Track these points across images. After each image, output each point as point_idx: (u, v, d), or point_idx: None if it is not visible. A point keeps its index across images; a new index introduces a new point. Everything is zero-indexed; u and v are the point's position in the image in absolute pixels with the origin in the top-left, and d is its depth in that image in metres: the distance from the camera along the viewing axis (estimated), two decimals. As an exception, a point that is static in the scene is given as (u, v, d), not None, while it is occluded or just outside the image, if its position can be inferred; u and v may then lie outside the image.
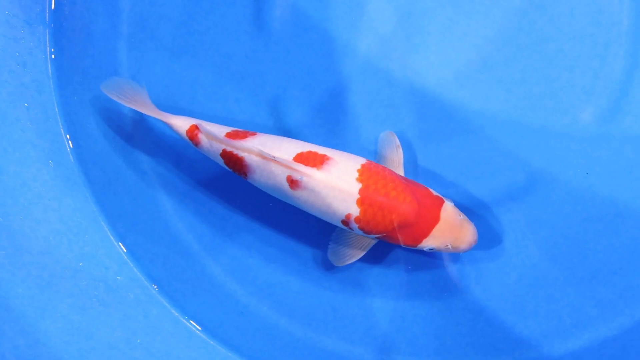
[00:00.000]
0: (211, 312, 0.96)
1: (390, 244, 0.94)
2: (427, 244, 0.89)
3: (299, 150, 0.90)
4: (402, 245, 0.90)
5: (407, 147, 0.98)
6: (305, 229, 0.98)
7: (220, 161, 0.93)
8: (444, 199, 0.90)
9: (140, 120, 1.01)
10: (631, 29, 0.95)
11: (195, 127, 0.93)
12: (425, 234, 0.88)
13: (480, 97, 0.97)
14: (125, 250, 0.99)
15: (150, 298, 0.96)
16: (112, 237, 0.99)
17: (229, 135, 0.93)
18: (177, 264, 0.98)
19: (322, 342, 0.97)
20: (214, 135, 0.92)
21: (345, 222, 0.89)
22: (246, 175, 0.92)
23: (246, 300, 0.98)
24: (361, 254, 0.93)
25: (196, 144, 0.94)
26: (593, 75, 0.95)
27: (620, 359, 0.88)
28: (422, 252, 0.95)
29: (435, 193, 0.91)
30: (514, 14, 0.97)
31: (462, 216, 0.90)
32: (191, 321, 0.97)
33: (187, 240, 0.99)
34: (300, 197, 0.89)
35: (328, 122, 0.99)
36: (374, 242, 0.93)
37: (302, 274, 0.98)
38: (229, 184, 1.00)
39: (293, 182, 0.88)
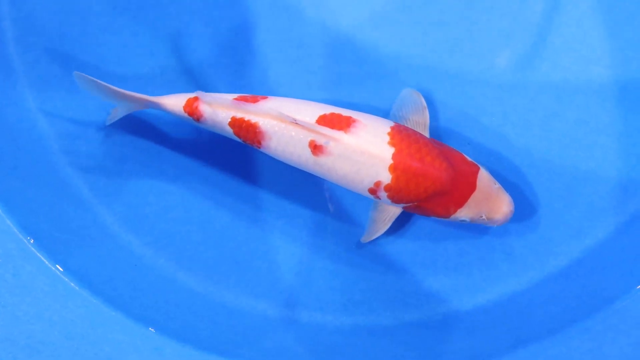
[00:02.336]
0: (99, 266, 0.87)
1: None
2: (462, 214, 0.81)
3: (321, 113, 0.81)
4: (430, 215, 0.83)
5: (318, 90, 0.92)
6: (209, 175, 0.91)
7: (228, 132, 0.83)
8: (479, 165, 0.83)
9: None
10: (553, -29, 0.92)
11: (194, 99, 0.83)
12: (461, 203, 0.80)
13: (396, 39, 0.92)
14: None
15: (23, 252, 0.85)
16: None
17: (237, 100, 0.82)
18: (62, 213, 0.89)
19: (223, 297, 0.90)
20: (220, 102, 0.82)
21: (374, 190, 0.80)
22: (260, 143, 0.82)
23: (141, 252, 0.90)
24: (385, 227, 0.84)
25: (198, 118, 0.83)
26: (512, 19, 0.91)
27: (526, 313, 0.86)
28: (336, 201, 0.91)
29: (469, 159, 0.83)
30: (434, -49, 0.92)
31: (497, 185, 0.82)
32: (69, 278, 0.85)
33: (77, 185, 0.90)
34: (324, 164, 0.80)
35: (234, 62, 0.92)
36: (399, 212, 0.83)
37: (204, 225, 0.90)
38: (128, 122, 0.91)
39: (317, 148, 0.79)
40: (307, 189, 0.90)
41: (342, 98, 0.91)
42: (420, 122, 0.86)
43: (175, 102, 0.84)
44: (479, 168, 0.82)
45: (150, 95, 0.86)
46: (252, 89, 0.91)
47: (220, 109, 0.82)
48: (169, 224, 0.90)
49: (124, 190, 0.90)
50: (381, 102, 0.91)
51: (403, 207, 0.83)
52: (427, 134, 0.86)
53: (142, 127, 0.91)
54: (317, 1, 0.92)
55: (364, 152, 0.79)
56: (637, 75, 0.90)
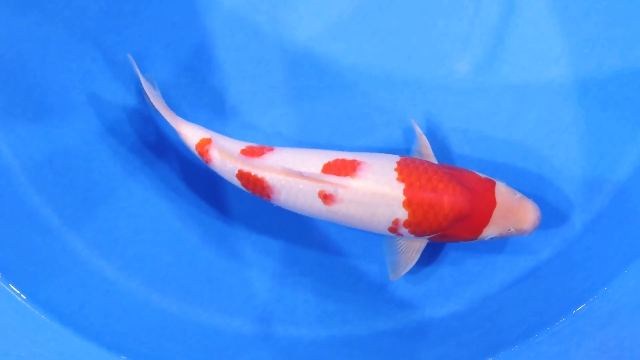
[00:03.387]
0: (69, 295, 0.88)
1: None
2: (488, 233, 0.80)
3: (325, 161, 0.81)
4: (458, 241, 0.82)
5: (280, 105, 0.91)
6: (175, 197, 0.91)
7: (237, 182, 0.83)
8: (494, 180, 0.82)
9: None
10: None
11: (207, 141, 0.83)
12: (485, 222, 0.79)
13: (354, 49, 0.91)
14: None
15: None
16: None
17: (244, 152, 0.83)
18: (29, 244, 0.89)
19: (198, 317, 0.90)
20: (229, 152, 0.82)
21: (393, 228, 0.79)
22: (269, 197, 0.82)
23: (113, 277, 0.90)
24: (413, 262, 0.83)
25: (207, 161, 0.84)
26: (469, 22, 0.90)
27: (498, 318, 0.86)
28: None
29: (482, 175, 0.82)
30: (387, -41, 0.92)
31: (518, 194, 0.82)
32: (39, 310, 0.86)
33: (45, 214, 0.90)
34: (337, 211, 0.80)
35: (195, 82, 0.91)
36: (424, 244, 0.83)
37: (175, 245, 0.91)
38: (91, 149, 0.91)
39: (327, 197, 0.79)
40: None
41: (304, 111, 0.91)
42: (423, 150, 0.86)
43: (189, 136, 0.85)
44: (494, 183, 0.81)
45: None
46: (214, 107, 0.91)
47: (228, 159, 0.82)
48: (139, 246, 0.91)
49: (92, 216, 0.91)
50: (343, 113, 0.91)
51: (428, 239, 0.82)
52: (434, 160, 0.86)
53: (107, 152, 0.91)
54: (273, 17, 0.91)
55: (375, 194, 0.78)
56: (596, 73, 0.90)
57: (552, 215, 0.89)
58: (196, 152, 0.85)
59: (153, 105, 0.87)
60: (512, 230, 0.80)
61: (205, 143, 0.84)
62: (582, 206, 0.89)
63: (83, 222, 0.91)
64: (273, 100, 0.91)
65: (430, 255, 0.89)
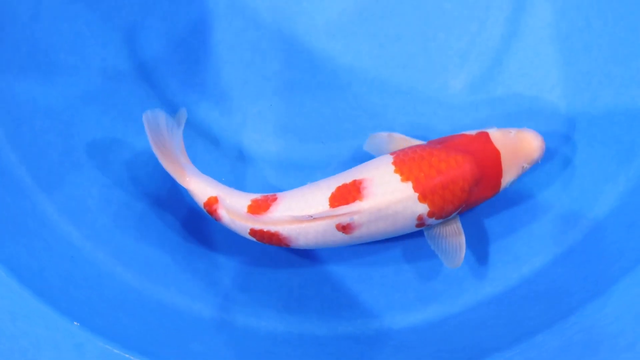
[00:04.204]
0: (33, 256, 0.86)
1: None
2: (507, 180, 0.80)
3: (329, 194, 0.79)
4: (483, 202, 0.82)
5: (271, 95, 0.90)
6: (153, 171, 0.90)
7: (251, 238, 0.82)
8: (484, 130, 0.82)
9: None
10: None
11: (214, 200, 0.82)
12: (499, 173, 0.80)
13: (352, 50, 0.91)
14: None
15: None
16: None
17: (251, 209, 0.81)
18: (-1, 200, 0.89)
19: (159, 295, 0.89)
20: (236, 211, 0.81)
21: (421, 224, 0.80)
22: (289, 245, 0.81)
23: (80, 244, 0.89)
24: (462, 234, 0.82)
25: (217, 219, 0.83)
26: (470, 40, 0.90)
27: (454, 337, 0.86)
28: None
29: (473, 132, 0.82)
30: (397, -36, 0.91)
31: (512, 130, 0.82)
32: None
33: (19, 173, 0.89)
34: (361, 235, 0.79)
35: (187, 60, 0.90)
36: (457, 218, 0.82)
37: (144, 223, 0.90)
38: (73, 113, 0.90)
39: (345, 228, 0.78)
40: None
41: (293, 105, 0.90)
42: (402, 143, 0.84)
43: (198, 194, 0.83)
44: (487, 133, 0.82)
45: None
46: (204, 88, 0.90)
47: (237, 219, 0.81)
48: (110, 218, 0.90)
49: (66, 181, 0.89)
50: (332, 113, 0.91)
51: (458, 214, 0.82)
52: (416, 142, 0.85)
53: (89, 119, 0.90)
54: (275, 6, 0.90)
55: (389, 205, 0.78)
56: (588, 108, 0.90)
57: (525, 243, 0.89)
58: (205, 210, 0.83)
59: (162, 162, 0.84)
60: (526, 165, 0.81)
61: (212, 202, 0.82)
62: (555, 238, 0.89)
63: (56, 186, 0.89)
64: (264, 89, 0.90)
65: (397, 267, 0.89)
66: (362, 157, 0.89)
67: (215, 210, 0.82)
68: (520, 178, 0.84)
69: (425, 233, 0.83)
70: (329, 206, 0.78)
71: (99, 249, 0.89)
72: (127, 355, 0.79)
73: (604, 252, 0.86)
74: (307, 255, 0.89)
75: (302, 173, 0.91)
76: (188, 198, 0.89)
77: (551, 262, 0.88)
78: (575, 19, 0.89)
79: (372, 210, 0.77)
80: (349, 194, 0.78)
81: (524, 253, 0.89)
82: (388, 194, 0.77)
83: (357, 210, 0.77)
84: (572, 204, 0.89)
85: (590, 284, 0.83)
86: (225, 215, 0.82)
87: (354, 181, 0.79)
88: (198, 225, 0.90)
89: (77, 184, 0.89)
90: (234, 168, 0.91)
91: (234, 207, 0.81)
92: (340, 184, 0.79)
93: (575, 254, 0.88)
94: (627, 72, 0.89)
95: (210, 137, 0.91)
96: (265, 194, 0.83)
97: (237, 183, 0.91)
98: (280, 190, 0.84)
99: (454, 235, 0.82)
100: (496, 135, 0.81)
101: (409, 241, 0.89)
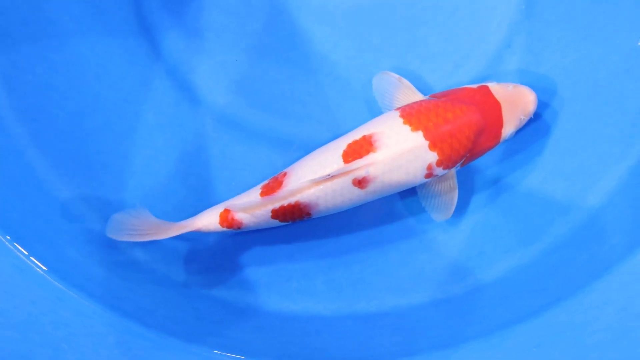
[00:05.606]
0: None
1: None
2: (507, 131, 0.83)
3: (340, 151, 0.81)
4: (485, 153, 0.84)
5: (239, 51, 0.91)
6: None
7: (274, 223, 0.82)
8: (484, 84, 0.84)
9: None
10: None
11: (226, 212, 0.82)
12: (500, 124, 0.83)
13: (332, 41, 0.92)
14: None
15: None
16: None
17: (264, 192, 0.81)
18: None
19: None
20: (252, 204, 0.81)
21: (429, 174, 0.81)
22: (310, 214, 0.82)
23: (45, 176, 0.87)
24: (456, 188, 0.85)
25: (238, 227, 0.82)
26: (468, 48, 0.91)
27: (419, 327, 0.86)
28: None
29: (473, 86, 0.85)
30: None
31: (510, 85, 0.85)
32: None
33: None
34: (374, 189, 0.81)
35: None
36: (454, 172, 0.85)
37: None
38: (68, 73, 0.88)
39: (361, 182, 0.80)
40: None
41: (256, 71, 0.91)
42: (409, 92, 0.87)
43: (209, 222, 0.83)
44: (487, 87, 0.85)
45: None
46: (182, 29, 0.91)
47: (256, 210, 0.81)
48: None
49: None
50: (290, 91, 0.91)
51: (460, 165, 0.84)
52: (422, 95, 0.87)
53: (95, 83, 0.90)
54: None
55: (402, 154, 0.80)
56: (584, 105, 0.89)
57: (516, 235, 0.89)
58: (224, 229, 0.82)
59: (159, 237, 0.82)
60: (523, 117, 0.84)
61: (226, 215, 0.82)
62: (543, 229, 0.88)
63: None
64: (237, 43, 0.92)
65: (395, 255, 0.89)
66: (308, 141, 0.90)
67: (233, 218, 0.82)
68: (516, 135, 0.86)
69: (419, 192, 0.86)
70: (343, 163, 0.80)
71: (61, 181, 0.88)
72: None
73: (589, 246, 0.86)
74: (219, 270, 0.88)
75: (240, 135, 0.91)
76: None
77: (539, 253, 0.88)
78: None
79: (386, 160, 0.80)
80: (361, 148, 0.80)
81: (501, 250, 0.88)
82: (401, 144, 0.80)
83: (372, 162, 0.80)
84: (563, 195, 0.89)
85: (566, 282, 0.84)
86: (244, 216, 0.82)
87: (364, 136, 0.81)
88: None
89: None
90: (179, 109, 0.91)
91: (247, 203, 0.81)
92: (350, 142, 0.81)
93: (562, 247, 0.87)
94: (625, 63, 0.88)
95: (168, 65, 0.91)
96: (274, 175, 0.83)
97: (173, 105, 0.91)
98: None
99: (449, 192, 0.85)
100: (496, 88, 0.84)
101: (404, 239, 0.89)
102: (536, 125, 0.90)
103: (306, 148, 0.89)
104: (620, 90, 0.88)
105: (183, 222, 0.82)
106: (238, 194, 0.88)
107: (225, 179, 0.90)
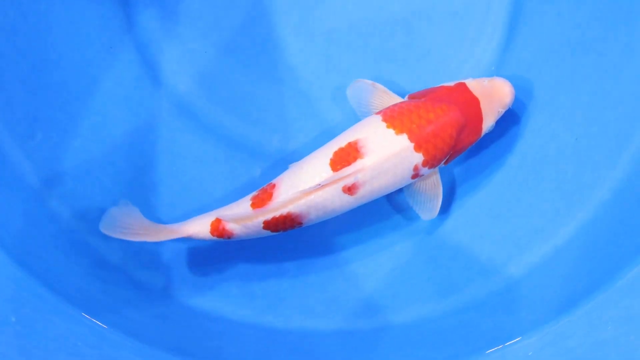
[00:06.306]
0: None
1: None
2: (487, 125, 0.85)
3: (327, 160, 0.81)
4: (467, 148, 0.86)
5: (210, 44, 0.91)
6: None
7: (266, 234, 0.82)
8: (461, 81, 0.86)
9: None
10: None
11: (217, 222, 0.82)
12: (480, 119, 0.85)
13: (307, 56, 0.92)
14: None
15: None
16: None
17: (255, 204, 0.81)
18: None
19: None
20: (243, 215, 0.81)
21: (415, 175, 0.83)
22: (301, 224, 0.82)
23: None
24: (440, 186, 0.86)
25: (229, 237, 0.82)
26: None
27: (412, 344, 0.86)
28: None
29: (450, 84, 0.86)
30: None
31: (485, 79, 0.87)
32: None
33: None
34: (364, 194, 0.82)
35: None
36: (437, 171, 0.86)
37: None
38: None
39: (351, 188, 0.81)
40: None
41: (224, 67, 0.91)
42: (385, 97, 0.88)
43: (200, 229, 0.83)
44: (464, 83, 0.86)
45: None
46: (161, 7, 0.91)
47: (247, 222, 0.82)
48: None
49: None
50: (256, 95, 0.91)
51: (444, 164, 0.86)
52: (399, 98, 0.88)
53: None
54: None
55: (389, 158, 0.81)
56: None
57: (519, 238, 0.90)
58: (215, 238, 0.83)
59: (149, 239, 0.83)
60: (501, 110, 0.87)
61: (217, 224, 0.82)
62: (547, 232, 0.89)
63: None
64: (210, 34, 0.92)
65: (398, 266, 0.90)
66: (255, 146, 0.91)
67: (224, 228, 0.82)
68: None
69: (405, 191, 0.87)
70: (332, 172, 0.80)
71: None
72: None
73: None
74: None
75: (191, 124, 0.91)
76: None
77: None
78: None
79: (374, 165, 0.81)
80: (348, 155, 0.81)
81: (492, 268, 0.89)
82: (387, 148, 0.81)
83: (360, 168, 0.80)
84: (488, 258, 0.90)
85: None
86: (235, 226, 0.82)
87: (349, 143, 0.82)
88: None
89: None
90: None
91: (238, 214, 0.81)
92: (336, 149, 0.82)
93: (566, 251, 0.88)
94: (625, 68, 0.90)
95: (138, 40, 0.91)
96: (262, 187, 0.83)
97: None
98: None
99: (433, 188, 0.86)
100: (473, 84, 0.87)
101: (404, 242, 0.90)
102: (472, 183, 0.91)
103: (252, 153, 0.90)
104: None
105: (173, 227, 0.83)
106: (178, 180, 0.89)
107: (167, 162, 0.90)
